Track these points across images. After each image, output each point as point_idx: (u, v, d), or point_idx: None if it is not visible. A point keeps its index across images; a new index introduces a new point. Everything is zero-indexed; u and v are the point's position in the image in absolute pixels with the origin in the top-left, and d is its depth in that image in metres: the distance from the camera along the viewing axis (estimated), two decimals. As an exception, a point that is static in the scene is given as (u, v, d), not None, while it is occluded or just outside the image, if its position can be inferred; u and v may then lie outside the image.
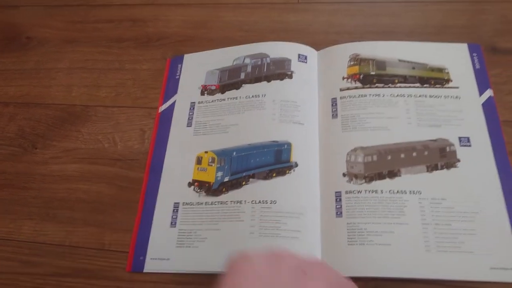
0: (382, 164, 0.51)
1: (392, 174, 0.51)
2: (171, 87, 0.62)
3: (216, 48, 0.64)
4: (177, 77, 0.63)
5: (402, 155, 0.52)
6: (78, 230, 0.53)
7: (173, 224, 0.51)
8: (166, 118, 0.59)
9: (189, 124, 0.58)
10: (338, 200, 0.50)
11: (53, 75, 0.67)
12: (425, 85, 0.57)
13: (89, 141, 0.59)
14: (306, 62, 0.60)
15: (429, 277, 0.45)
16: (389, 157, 0.52)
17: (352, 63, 0.58)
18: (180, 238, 0.50)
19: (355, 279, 0.46)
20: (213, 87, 0.60)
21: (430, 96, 0.56)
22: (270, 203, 0.50)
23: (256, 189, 0.51)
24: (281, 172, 0.52)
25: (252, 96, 0.57)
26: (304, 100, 0.57)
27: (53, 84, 0.66)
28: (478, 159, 0.51)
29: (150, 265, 0.49)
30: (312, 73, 0.59)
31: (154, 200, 0.53)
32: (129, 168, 0.56)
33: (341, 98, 0.56)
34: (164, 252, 0.49)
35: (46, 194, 0.55)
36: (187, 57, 0.64)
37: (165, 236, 0.50)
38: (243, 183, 0.52)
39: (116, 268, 0.50)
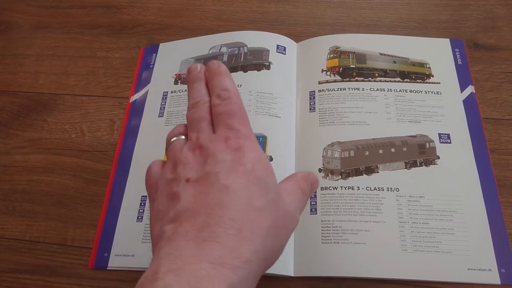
0: (359, 160, 0.49)
1: (370, 171, 0.49)
2: (144, 77, 0.59)
3: (192, 37, 0.62)
4: (151, 66, 0.60)
5: (380, 151, 0.50)
6: (39, 224, 0.50)
7: (139, 218, 0.48)
8: (137, 108, 0.56)
9: (160, 114, 0.55)
10: (313, 196, 0.48)
11: (21, 62, 0.63)
12: (405, 80, 0.55)
13: (55, 131, 0.56)
14: (284, 54, 0.58)
15: (405, 278, 0.43)
16: (367, 153, 0.50)
17: (331, 55, 0.56)
18: (146, 234, 0.47)
19: (329, 279, 0.44)
20: (187, 77, 0.57)
21: (411, 91, 0.54)
22: (242, 198, 0.47)
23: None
24: (255, 166, 0.50)
25: (227, 87, 0.55)
26: (281, 92, 0.55)
27: (20, 71, 0.62)
28: (458, 156, 0.50)
29: (114, 262, 0.46)
30: (291, 65, 0.57)
31: (121, 193, 0.50)
32: (97, 160, 0.54)
33: (319, 91, 0.54)
34: (129, 248, 0.47)
35: (6, 186, 0.52)
36: (162, 46, 0.62)
37: (130, 231, 0.48)
38: (215, 177, 0.50)
39: (78, 264, 0.47)
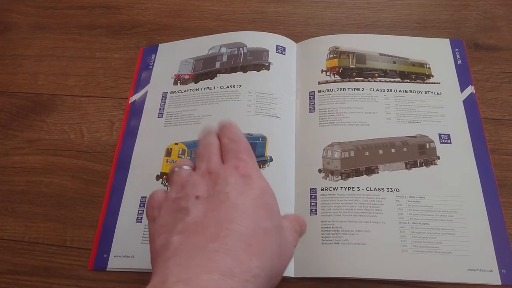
0: (359, 161, 0.49)
1: (370, 171, 0.49)
2: (144, 77, 0.59)
3: (192, 38, 0.62)
4: (151, 67, 0.60)
5: (381, 152, 0.50)
6: (38, 225, 0.49)
7: (138, 219, 0.48)
8: (136, 109, 0.56)
9: (160, 115, 0.55)
10: (313, 197, 0.47)
11: (19, 62, 0.63)
12: (405, 80, 0.55)
13: (54, 131, 0.56)
14: (284, 54, 0.58)
15: (406, 279, 0.43)
16: (367, 153, 0.50)
17: (331, 56, 0.56)
18: (145, 234, 0.47)
19: (329, 280, 0.44)
20: (187, 77, 0.57)
21: (411, 92, 0.54)
22: (242, 199, 0.47)
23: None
24: (255, 167, 0.50)
25: (227, 87, 0.55)
26: (281, 92, 0.54)
27: (18, 71, 0.62)
28: (458, 157, 0.49)
29: (114, 263, 0.46)
30: (290, 65, 0.57)
31: (120, 194, 0.50)
32: (96, 161, 0.53)
33: (319, 91, 0.54)
34: (128, 249, 0.47)
35: (5, 187, 0.52)
36: (162, 47, 0.62)
37: (130, 232, 0.47)
38: (214, 177, 0.49)
39: (77, 266, 0.47)
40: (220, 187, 0.30)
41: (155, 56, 0.61)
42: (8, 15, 0.68)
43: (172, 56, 0.60)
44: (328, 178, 0.48)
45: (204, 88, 0.56)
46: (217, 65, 0.57)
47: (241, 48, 0.58)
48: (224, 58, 0.58)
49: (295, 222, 0.36)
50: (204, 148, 0.35)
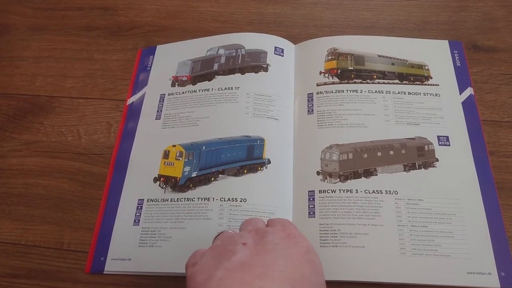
0: (358, 163, 0.49)
1: (368, 173, 0.49)
2: (142, 79, 0.59)
3: (190, 39, 0.62)
4: (148, 68, 0.60)
5: (379, 154, 0.50)
6: (35, 228, 0.49)
7: (136, 222, 0.48)
8: (134, 111, 0.56)
9: (157, 117, 0.55)
10: (311, 199, 0.47)
11: (17, 64, 0.63)
12: (404, 82, 0.55)
13: (52, 133, 0.56)
14: (282, 56, 0.57)
15: (404, 282, 0.43)
16: (365, 156, 0.49)
17: (329, 57, 0.56)
18: (143, 237, 0.47)
19: (327, 283, 0.44)
20: (184, 78, 0.57)
21: (409, 93, 0.54)
22: (240, 201, 0.47)
23: (225, 185, 0.49)
24: (253, 168, 0.49)
25: (225, 88, 0.55)
26: (279, 94, 0.54)
27: (16, 73, 0.62)
28: (457, 159, 0.49)
29: (111, 266, 0.46)
30: (289, 67, 0.57)
31: (117, 196, 0.50)
32: (93, 163, 0.53)
33: (317, 93, 0.54)
34: (125, 252, 0.46)
35: (1, 190, 0.52)
36: (160, 48, 0.62)
37: (127, 235, 0.47)
38: (212, 179, 0.49)
39: (74, 269, 0.47)
40: (268, 239, 0.31)
41: (153, 57, 0.61)
42: (6, 17, 0.68)
43: (170, 58, 0.60)
44: (326, 181, 0.48)
45: (202, 90, 0.55)
46: (215, 66, 0.57)
47: (239, 50, 0.57)
48: (222, 60, 0.57)
49: None
50: (249, 220, 0.36)
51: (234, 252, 0.30)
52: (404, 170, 0.49)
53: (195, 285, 0.29)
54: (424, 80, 0.55)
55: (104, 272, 0.46)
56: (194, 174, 0.50)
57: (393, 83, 0.55)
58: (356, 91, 0.54)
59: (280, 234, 0.32)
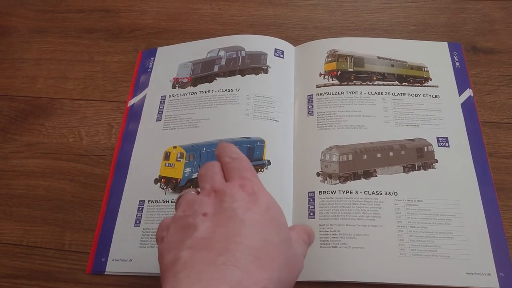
0: (357, 164, 0.49)
1: (368, 174, 0.49)
2: (142, 81, 0.59)
3: (190, 41, 0.62)
4: (149, 70, 0.60)
5: (379, 155, 0.50)
6: (36, 229, 0.49)
7: (137, 223, 0.48)
8: (135, 113, 0.56)
9: (158, 119, 0.55)
10: (311, 200, 0.47)
11: (18, 66, 0.63)
12: (404, 83, 0.55)
13: (53, 135, 0.56)
14: (282, 57, 0.58)
15: (404, 282, 0.43)
16: (365, 157, 0.50)
17: (329, 59, 0.56)
18: (144, 238, 0.47)
19: (327, 284, 0.44)
20: (185, 80, 0.57)
21: (409, 95, 0.54)
22: (240, 202, 0.47)
23: (226, 187, 0.49)
24: (253, 170, 0.50)
25: (226, 90, 0.55)
26: (280, 96, 0.54)
27: (18, 75, 0.62)
28: (457, 160, 0.49)
29: (112, 267, 0.46)
30: (289, 68, 0.57)
31: (118, 198, 0.50)
32: (94, 164, 0.53)
33: (317, 95, 0.54)
34: (126, 252, 0.46)
35: (3, 191, 0.52)
36: (161, 50, 0.62)
37: (128, 236, 0.47)
38: (213, 181, 0.50)
39: (75, 270, 0.47)
40: (227, 204, 0.31)
41: (154, 59, 0.61)
42: (7, 19, 0.69)
43: (171, 60, 0.60)
44: (326, 182, 0.48)
45: (203, 92, 0.56)
46: (216, 68, 0.57)
47: (239, 52, 0.58)
48: (223, 62, 0.58)
49: (302, 233, 0.36)
50: (206, 169, 0.35)
51: (195, 227, 0.30)
52: (404, 171, 0.49)
53: (165, 267, 0.29)
54: (423, 81, 0.55)
55: (105, 273, 0.46)
56: (194, 176, 0.50)
57: (393, 85, 0.55)
58: (356, 92, 0.54)
59: (239, 194, 0.31)
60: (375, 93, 0.54)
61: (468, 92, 0.54)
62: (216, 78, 0.57)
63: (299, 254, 0.34)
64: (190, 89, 0.56)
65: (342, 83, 0.55)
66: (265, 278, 0.27)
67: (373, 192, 0.47)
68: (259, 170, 0.50)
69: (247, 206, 0.31)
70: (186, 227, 0.30)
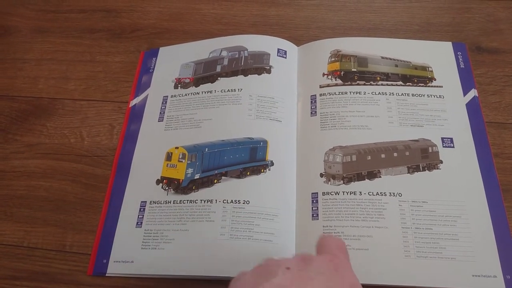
0: (361, 165, 0.49)
1: (372, 175, 0.48)
2: (144, 81, 0.59)
3: (192, 41, 0.62)
4: (151, 70, 0.60)
5: (383, 156, 0.49)
6: (37, 230, 0.49)
7: (138, 224, 0.48)
8: (137, 113, 0.56)
9: (160, 119, 0.55)
10: (314, 201, 0.47)
11: (20, 66, 0.63)
12: (408, 84, 0.54)
13: (54, 135, 0.56)
14: (285, 57, 0.57)
15: (408, 284, 0.43)
16: (369, 157, 0.49)
17: (333, 59, 0.56)
18: (145, 239, 0.46)
19: (330, 286, 0.43)
20: (187, 80, 0.57)
21: (413, 95, 0.53)
22: (243, 203, 0.47)
23: (228, 188, 0.48)
24: (256, 170, 0.49)
25: (228, 90, 0.55)
26: (282, 96, 0.54)
27: (19, 75, 0.62)
28: (461, 161, 0.49)
29: (113, 268, 0.46)
30: (292, 68, 0.57)
31: (120, 198, 0.50)
32: (96, 165, 0.53)
33: (320, 95, 0.54)
34: (128, 254, 0.46)
35: (4, 192, 0.52)
36: (163, 50, 0.61)
37: (130, 237, 0.47)
38: (215, 181, 0.49)
39: (76, 271, 0.46)
40: (312, 267, 0.31)
41: (156, 59, 0.60)
42: (8, 19, 0.68)
43: (173, 60, 0.60)
44: (329, 183, 0.48)
45: (205, 92, 0.55)
46: (218, 68, 0.57)
47: (242, 52, 0.57)
48: (225, 62, 0.57)
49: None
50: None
51: (276, 274, 0.30)
52: (408, 172, 0.49)
53: None
54: (427, 81, 0.55)
55: (107, 275, 0.46)
56: (197, 176, 0.49)
57: (397, 85, 0.54)
58: (360, 92, 0.54)
59: (327, 264, 0.32)
60: (379, 93, 0.54)
61: (473, 92, 0.54)
62: (219, 78, 0.56)
63: None
64: (192, 89, 0.56)
65: (346, 83, 0.55)
66: None
67: (377, 193, 0.47)
68: (262, 171, 0.49)
69: (331, 276, 0.31)
70: (266, 272, 0.30)
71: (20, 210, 0.50)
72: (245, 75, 0.56)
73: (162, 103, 0.56)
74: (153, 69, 0.60)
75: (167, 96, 0.56)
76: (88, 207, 0.50)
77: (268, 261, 0.32)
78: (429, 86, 0.54)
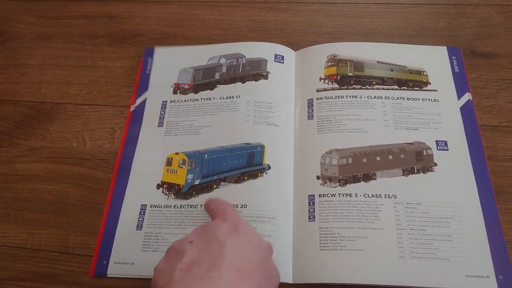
0: (357, 167, 0.50)
1: (367, 178, 0.49)
2: (142, 83, 0.60)
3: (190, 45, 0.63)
4: (148, 72, 0.61)
5: (378, 158, 0.50)
6: (40, 233, 0.50)
7: (139, 227, 0.49)
8: (137, 117, 0.57)
9: (160, 124, 0.56)
10: (311, 203, 0.48)
11: (23, 71, 0.64)
12: (403, 88, 0.55)
13: (57, 139, 0.57)
14: (282, 63, 0.58)
15: (403, 284, 0.43)
16: (365, 160, 0.50)
17: (329, 63, 0.57)
18: (145, 242, 0.48)
19: (327, 286, 0.44)
20: (186, 86, 0.58)
21: (408, 99, 0.54)
22: (241, 207, 0.48)
23: (226, 193, 0.49)
24: (253, 175, 0.50)
25: (226, 98, 0.56)
26: (280, 101, 0.55)
27: (22, 80, 0.63)
28: (455, 163, 0.50)
29: (114, 270, 0.47)
30: (289, 73, 0.58)
31: (121, 201, 0.51)
32: (97, 168, 0.54)
33: (317, 99, 0.55)
34: (128, 256, 0.47)
35: (8, 194, 0.53)
36: (158, 51, 0.62)
37: (130, 239, 0.48)
38: (214, 186, 0.50)
39: (79, 272, 0.47)
40: (210, 232, 0.36)
41: (152, 60, 0.61)
42: (12, 25, 0.70)
43: (171, 63, 0.61)
44: (326, 185, 0.49)
45: (204, 99, 0.56)
46: (217, 75, 0.58)
47: (240, 59, 0.58)
48: (224, 69, 0.58)
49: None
50: None
51: (184, 252, 0.35)
52: (403, 175, 0.50)
53: (159, 286, 0.34)
54: (422, 85, 0.56)
55: (107, 276, 0.47)
56: (197, 182, 0.50)
57: (392, 89, 0.55)
58: (356, 96, 0.55)
59: (221, 224, 0.37)
60: (375, 97, 0.55)
61: (467, 96, 0.55)
62: (218, 85, 0.57)
63: (276, 269, 0.39)
64: (192, 95, 0.57)
65: (342, 87, 0.56)
66: (245, 286, 0.33)
67: (372, 195, 0.48)
68: (259, 175, 0.50)
69: (227, 232, 0.36)
70: (174, 253, 0.35)
71: (23, 213, 0.52)
72: (243, 82, 0.57)
73: (162, 108, 0.57)
74: (150, 70, 0.61)
75: (166, 101, 0.58)
76: (90, 209, 0.51)
77: (173, 244, 0.37)
78: (424, 90, 0.55)
